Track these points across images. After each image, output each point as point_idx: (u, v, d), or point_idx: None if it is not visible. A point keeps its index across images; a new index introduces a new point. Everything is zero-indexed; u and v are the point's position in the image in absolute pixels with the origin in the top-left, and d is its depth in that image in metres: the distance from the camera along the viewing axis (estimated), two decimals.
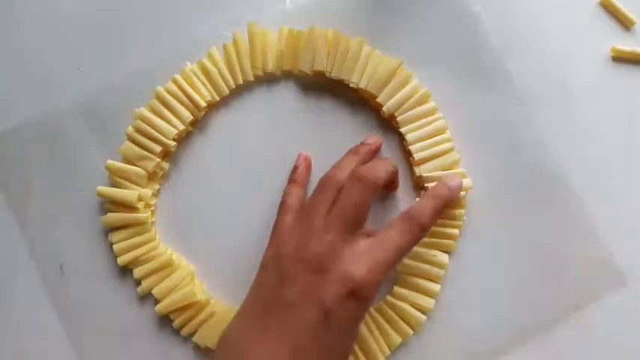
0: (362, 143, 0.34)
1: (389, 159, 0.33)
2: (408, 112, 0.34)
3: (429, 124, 0.34)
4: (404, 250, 0.29)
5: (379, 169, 0.30)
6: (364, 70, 0.34)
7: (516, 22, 0.36)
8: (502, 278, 0.33)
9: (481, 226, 0.34)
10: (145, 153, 0.33)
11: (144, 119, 0.34)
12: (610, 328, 0.33)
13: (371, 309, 0.33)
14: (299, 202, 0.33)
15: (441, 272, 0.33)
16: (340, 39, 0.34)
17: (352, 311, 0.27)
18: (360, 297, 0.27)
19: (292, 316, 0.27)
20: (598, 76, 0.35)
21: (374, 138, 0.34)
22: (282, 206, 0.33)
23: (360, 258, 0.28)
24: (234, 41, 0.35)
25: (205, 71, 0.34)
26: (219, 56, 0.35)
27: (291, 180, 0.34)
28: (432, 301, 0.33)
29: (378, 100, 0.34)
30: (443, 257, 0.33)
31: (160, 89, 0.34)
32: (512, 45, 0.35)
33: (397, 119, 0.34)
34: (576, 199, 0.34)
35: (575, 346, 0.33)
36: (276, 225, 0.32)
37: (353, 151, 0.33)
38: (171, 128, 0.34)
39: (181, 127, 0.34)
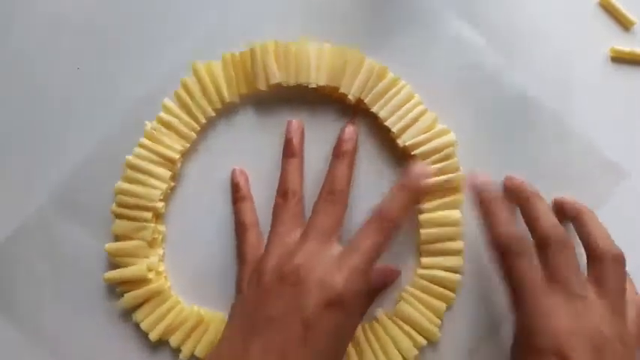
0: (292, 141, 0.33)
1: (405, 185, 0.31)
2: (373, 91, 0.34)
3: (396, 94, 0.34)
4: (380, 250, 0.29)
5: (396, 207, 0.29)
6: (318, 67, 0.34)
7: (516, 23, 0.36)
8: None
9: None
10: (138, 224, 0.33)
11: (124, 192, 0.33)
12: (627, 217, 0.34)
13: (408, 287, 0.33)
14: (255, 217, 0.33)
15: (459, 229, 0.33)
16: (282, 46, 0.34)
17: (334, 321, 0.27)
18: (341, 306, 0.27)
19: (275, 331, 0.27)
20: (597, 76, 0.35)
21: (349, 130, 0.33)
22: (241, 225, 0.33)
23: (337, 266, 0.28)
24: (184, 85, 0.34)
25: (166, 124, 0.34)
26: (174, 105, 0.34)
27: (238, 198, 0.34)
28: (460, 258, 0.33)
29: (341, 90, 0.34)
30: (455, 214, 0.33)
31: (130, 158, 0.33)
32: (511, 45, 0.35)
33: (365, 101, 0.34)
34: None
35: None
36: (244, 243, 0.32)
37: (291, 154, 0.33)
38: (154, 191, 0.33)
39: (163, 186, 0.33)
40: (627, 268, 0.30)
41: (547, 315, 0.28)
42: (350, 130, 0.34)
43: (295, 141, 0.33)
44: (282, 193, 0.32)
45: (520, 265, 0.29)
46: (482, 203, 0.31)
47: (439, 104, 0.34)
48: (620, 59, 0.35)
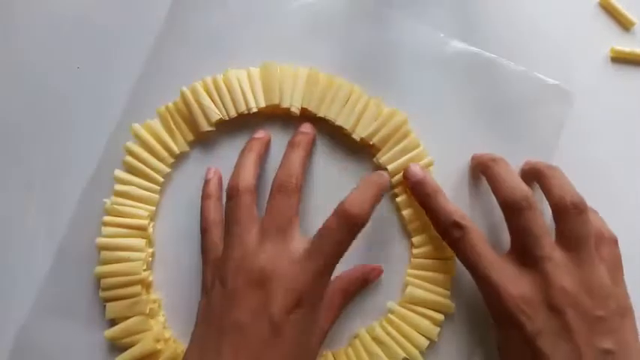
0: (254, 138, 0.33)
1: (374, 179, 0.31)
2: (314, 96, 0.34)
3: (337, 93, 0.34)
4: (344, 248, 0.29)
5: (360, 203, 0.29)
6: (253, 91, 0.34)
7: (516, 23, 0.36)
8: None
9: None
10: (130, 301, 0.32)
11: (105, 274, 0.32)
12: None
13: (409, 270, 0.33)
14: (220, 216, 0.32)
15: None
16: (211, 82, 0.34)
17: (301, 320, 0.28)
18: (307, 306, 0.28)
19: (245, 334, 0.27)
20: (598, 77, 0.36)
21: (306, 125, 0.34)
22: (206, 224, 0.32)
23: (301, 266, 0.28)
24: (129, 152, 0.34)
25: (125, 194, 0.33)
26: (126, 174, 0.34)
27: (207, 195, 0.33)
28: None
29: (283, 106, 0.34)
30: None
31: (101, 239, 0.33)
32: (511, 46, 0.35)
33: (309, 109, 0.34)
34: None
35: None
36: (206, 242, 0.32)
37: (248, 149, 0.33)
38: (135, 264, 0.32)
39: (142, 255, 0.32)
40: None
41: (498, 287, 0.29)
42: (306, 125, 0.34)
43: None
44: (232, 190, 0.31)
45: (463, 243, 0.30)
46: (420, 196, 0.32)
47: (437, 104, 0.35)
48: (621, 59, 0.36)
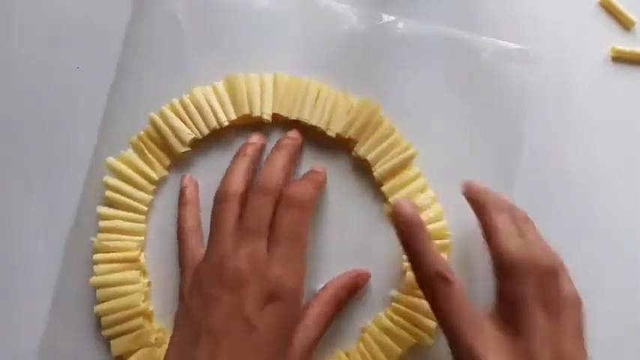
0: (247, 143, 0.33)
1: (316, 173, 0.33)
2: (297, 105, 0.34)
3: (325, 99, 0.34)
4: (303, 234, 0.29)
5: (309, 188, 0.30)
6: (222, 106, 0.34)
7: (516, 23, 0.36)
8: None
9: None
10: (135, 334, 0.32)
11: (105, 312, 0.32)
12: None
13: (405, 256, 0.33)
14: (197, 222, 0.33)
15: (423, 180, 0.34)
16: (178, 104, 0.34)
17: (276, 314, 0.28)
18: (279, 297, 0.28)
19: (218, 339, 0.27)
20: (598, 77, 0.35)
21: (293, 131, 0.34)
22: (182, 230, 0.32)
23: (268, 260, 0.28)
24: (109, 186, 0.33)
25: (111, 229, 0.33)
26: (108, 209, 0.34)
27: (183, 202, 0.33)
28: (437, 206, 0.33)
29: (255, 115, 0.34)
30: (412, 170, 0.34)
31: (94, 278, 0.32)
32: (511, 45, 0.35)
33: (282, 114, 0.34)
34: None
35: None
36: (183, 249, 0.32)
37: (242, 154, 0.33)
38: (133, 296, 0.32)
39: (138, 286, 0.32)
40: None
41: (476, 355, 0.25)
42: (294, 131, 0.34)
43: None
44: (221, 195, 0.31)
45: (446, 299, 0.27)
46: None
47: (436, 105, 0.35)
48: (621, 59, 0.36)
